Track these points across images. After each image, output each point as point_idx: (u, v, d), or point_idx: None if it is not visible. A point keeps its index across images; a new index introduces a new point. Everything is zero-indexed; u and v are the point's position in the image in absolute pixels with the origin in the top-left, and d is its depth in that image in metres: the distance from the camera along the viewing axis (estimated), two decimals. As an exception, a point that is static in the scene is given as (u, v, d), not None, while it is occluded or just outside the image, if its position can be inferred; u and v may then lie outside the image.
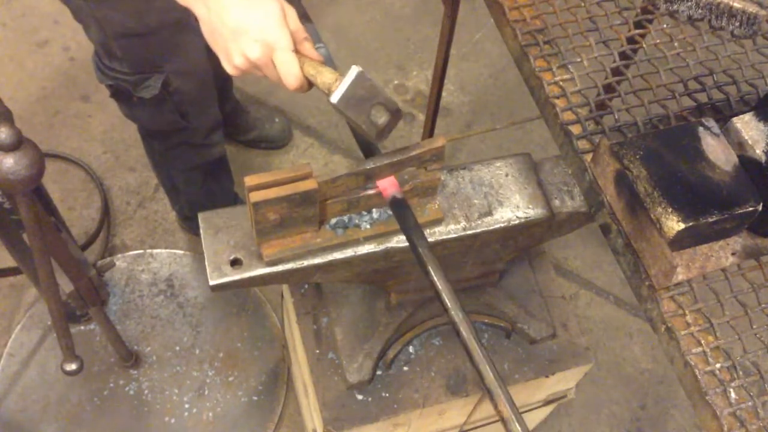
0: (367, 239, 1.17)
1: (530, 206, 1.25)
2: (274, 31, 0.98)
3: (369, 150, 1.15)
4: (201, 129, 1.96)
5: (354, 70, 0.99)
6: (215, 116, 1.99)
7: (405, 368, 1.58)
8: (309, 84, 1.05)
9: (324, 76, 1.02)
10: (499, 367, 1.58)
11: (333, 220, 1.16)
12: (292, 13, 1.02)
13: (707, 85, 1.30)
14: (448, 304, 0.98)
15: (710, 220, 1.05)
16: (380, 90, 1.01)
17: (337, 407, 1.52)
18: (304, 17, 1.42)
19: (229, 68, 1.03)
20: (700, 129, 1.14)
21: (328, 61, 1.31)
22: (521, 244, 1.36)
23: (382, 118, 1.02)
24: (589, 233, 2.67)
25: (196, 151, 2.04)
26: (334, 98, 0.99)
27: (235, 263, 1.14)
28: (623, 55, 1.33)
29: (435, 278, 1.00)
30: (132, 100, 1.76)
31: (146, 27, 1.58)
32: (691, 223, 1.04)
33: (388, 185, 1.10)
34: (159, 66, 1.68)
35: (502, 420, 0.91)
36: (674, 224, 1.04)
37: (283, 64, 1.00)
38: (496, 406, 0.92)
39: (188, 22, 1.64)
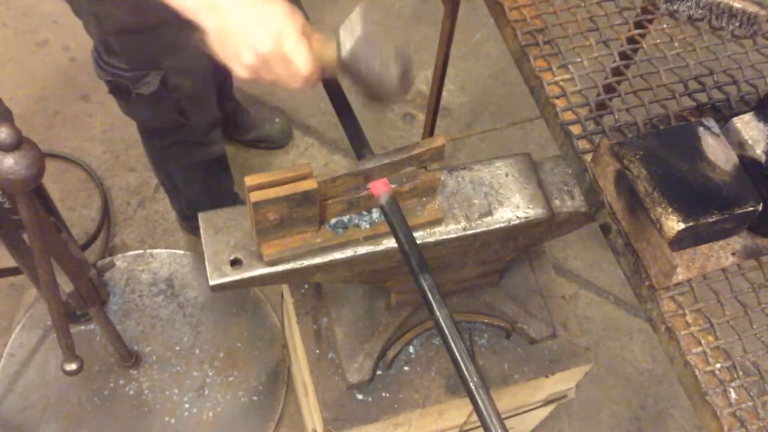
0: (367, 239, 1.17)
1: (530, 206, 1.25)
2: (281, 21, 0.99)
3: (362, 151, 1.13)
4: (200, 127, 1.96)
5: (358, 24, 0.96)
6: (214, 114, 1.99)
7: (405, 368, 1.58)
8: (320, 72, 1.03)
9: (331, 45, 1.00)
10: (499, 367, 1.59)
11: (333, 220, 1.16)
12: (297, 9, 1.03)
13: (707, 85, 1.30)
14: (432, 304, 0.98)
15: (710, 220, 1.05)
16: (387, 36, 0.98)
17: (337, 407, 1.52)
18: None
19: (241, 71, 1.02)
20: (700, 129, 1.14)
21: None
22: (521, 244, 1.36)
23: (395, 68, 0.99)
24: (589, 233, 2.67)
25: (195, 149, 2.04)
26: (344, 54, 0.97)
27: (235, 263, 1.14)
28: (623, 55, 1.33)
29: (421, 280, 1.00)
30: (130, 97, 1.76)
31: (145, 23, 1.58)
32: (691, 223, 1.04)
33: (379, 186, 1.10)
34: (158, 62, 1.68)
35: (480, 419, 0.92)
36: (674, 224, 1.04)
37: (294, 50, 0.99)
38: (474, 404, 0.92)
39: (187, 19, 1.64)
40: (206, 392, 2.25)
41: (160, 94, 1.74)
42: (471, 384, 0.93)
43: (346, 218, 1.17)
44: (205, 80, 1.85)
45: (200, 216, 1.17)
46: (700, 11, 1.32)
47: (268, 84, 1.05)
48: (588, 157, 1.20)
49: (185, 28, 1.68)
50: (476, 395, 0.92)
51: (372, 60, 0.99)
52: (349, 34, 0.98)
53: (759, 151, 1.12)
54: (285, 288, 1.74)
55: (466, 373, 0.93)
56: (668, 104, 1.26)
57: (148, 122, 1.94)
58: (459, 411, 1.66)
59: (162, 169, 2.19)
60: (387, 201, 1.08)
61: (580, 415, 2.41)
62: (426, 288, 0.99)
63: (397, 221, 1.06)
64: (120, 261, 2.42)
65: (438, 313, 0.98)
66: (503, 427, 0.90)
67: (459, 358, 0.94)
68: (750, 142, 1.13)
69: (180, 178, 2.18)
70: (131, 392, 2.24)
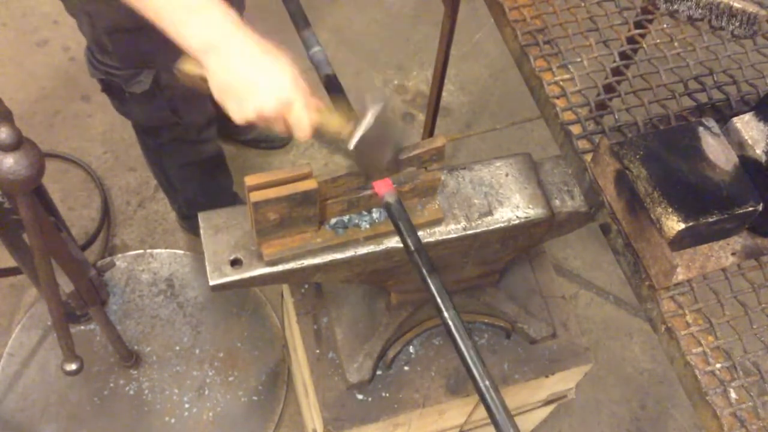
0: (367, 239, 1.17)
1: (530, 206, 1.25)
2: (291, 91, 1.04)
3: None
4: (193, 125, 1.96)
5: (371, 114, 1.02)
6: (208, 112, 1.99)
7: (405, 368, 1.58)
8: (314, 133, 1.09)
9: (333, 122, 1.05)
10: (499, 367, 1.59)
11: (333, 220, 1.16)
12: (300, 74, 1.08)
13: (707, 85, 1.30)
14: (441, 305, 0.98)
15: (710, 220, 1.05)
16: (394, 129, 1.06)
17: (337, 407, 1.52)
18: (302, 20, 1.42)
19: (238, 118, 1.07)
20: (700, 129, 1.14)
21: (324, 64, 1.32)
22: (521, 244, 1.36)
23: (387, 158, 1.06)
24: (589, 233, 2.67)
25: (190, 147, 2.04)
26: (351, 145, 1.03)
27: (235, 263, 1.14)
28: (623, 55, 1.33)
29: (429, 281, 1.00)
30: (123, 96, 1.76)
31: (137, 22, 1.57)
32: (691, 223, 1.04)
33: (382, 186, 1.10)
34: (150, 61, 1.68)
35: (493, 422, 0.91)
36: (674, 224, 1.04)
37: (297, 121, 1.05)
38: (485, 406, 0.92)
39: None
40: (206, 392, 2.25)
41: (153, 93, 1.74)
42: (482, 386, 0.92)
43: (346, 218, 1.17)
44: None
45: (200, 216, 1.17)
46: (700, 11, 1.32)
47: None
48: (588, 157, 1.20)
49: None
50: (488, 397, 0.92)
51: (373, 152, 1.06)
52: (361, 129, 1.03)
53: (759, 151, 1.12)
54: (285, 288, 1.74)
55: (477, 374, 0.93)
56: (668, 104, 1.27)
57: (141, 121, 1.94)
58: (459, 411, 1.66)
59: (158, 168, 2.19)
60: (393, 200, 1.08)
61: (580, 415, 2.41)
62: (434, 289, 0.99)
63: (403, 221, 1.06)
64: (120, 261, 2.42)
65: (446, 314, 0.97)
66: (516, 429, 0.90)
67: (469, 360, 0.94)
68: (750, 142, 1.13)
69: (176, 177, 2.18)
70: (131, 392, 2.23)
